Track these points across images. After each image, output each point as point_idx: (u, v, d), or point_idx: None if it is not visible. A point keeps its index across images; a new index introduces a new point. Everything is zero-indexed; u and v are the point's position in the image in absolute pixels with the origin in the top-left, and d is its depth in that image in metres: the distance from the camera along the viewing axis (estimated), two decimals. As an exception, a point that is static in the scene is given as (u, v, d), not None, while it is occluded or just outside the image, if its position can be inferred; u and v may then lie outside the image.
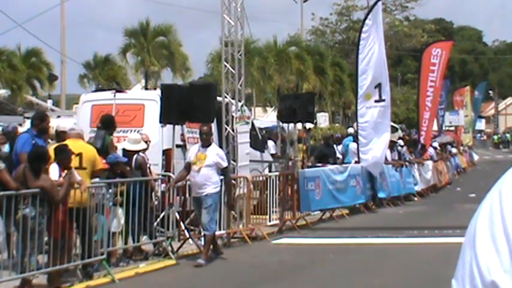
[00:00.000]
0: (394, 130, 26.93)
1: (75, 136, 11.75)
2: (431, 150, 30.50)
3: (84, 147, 11.65)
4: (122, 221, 12.51)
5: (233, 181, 15.85)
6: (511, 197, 1.34)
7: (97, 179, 12.11)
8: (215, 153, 13.13)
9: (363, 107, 22.24)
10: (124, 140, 14.27)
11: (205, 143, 13.19)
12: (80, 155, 11.34)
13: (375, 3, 23.35)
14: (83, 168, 11.29)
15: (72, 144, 11.27)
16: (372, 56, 22.12)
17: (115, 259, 12.48)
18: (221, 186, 13.45)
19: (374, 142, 22.08)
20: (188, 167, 13.22)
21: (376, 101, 22.19)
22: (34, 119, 12.21)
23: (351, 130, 24.29)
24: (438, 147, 33.12)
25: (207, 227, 13.01)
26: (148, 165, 13.61)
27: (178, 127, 15.08)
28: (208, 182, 12.96)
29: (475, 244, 1.34)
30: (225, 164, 13.24)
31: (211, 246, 13.31)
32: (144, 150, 13.63)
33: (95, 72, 43.95)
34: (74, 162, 11.04)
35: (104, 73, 43.57)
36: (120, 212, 12.46)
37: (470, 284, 1.33)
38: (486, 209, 1.37)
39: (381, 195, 22.94)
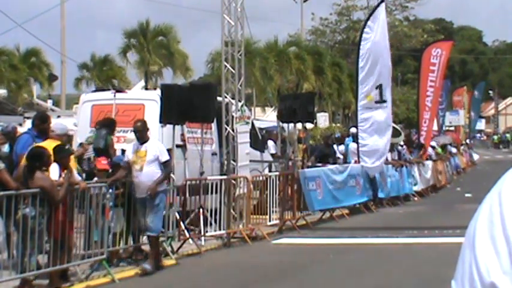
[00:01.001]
0: (398, 134, 26.89)
1: (54, 137, 11.60)
2: (430, 150, 30.51)
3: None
4: (122, 221, 12.51)
5: (233, 181, 15.88)
6: (510, 198, 1.34)
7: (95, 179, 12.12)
8: (155, 148, 12.29)
9: (363, 107, 22.23)
10: (124, 140, 14.28)
11: (141, 140, 12.30)
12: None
13: (378, 5, 23.32)
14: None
15: (47, 144, 11.17)
16: (374, 57, 22.09)
17: (115, 259, 12.48)
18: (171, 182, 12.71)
19: (375, 146, 22.04)
20: (129, 167, 12.34)
21: (376, 102, 22.17)
22: (35, 120, 12.21)
23: (353, 130, 24.18)
24: (436, 147, 33.08)
25: (152, 227, 12.10)
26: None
27: (178, 127, 15.08)
28: (153, 180, 12.11)
29: (474, 245, 1.34)
30: (165, 157, 12.31)
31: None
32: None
33: (93, 72, 43.85)
34: None
35: (103, 73, 43.52)
36: (121, 212, 12.47)
37: (469, 285, 1.33)
38: (486, 210, 1.37)
39: (380, 195, 22.95)
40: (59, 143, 11.21)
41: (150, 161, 12.15)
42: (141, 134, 12.38)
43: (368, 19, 23.12)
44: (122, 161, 12.75)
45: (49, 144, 11.09)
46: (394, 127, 26.08)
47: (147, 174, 12.11)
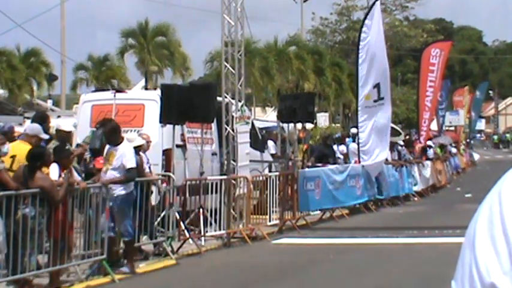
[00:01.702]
0: (397, 133, 26.99)
1: (24, 139, 11.44)
2: (428, 150, 30.50)
3: (20, 150, 10.84)
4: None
5: (233, 181, 15.87)
6: (510, 198, 1.34)
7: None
8: (121, 153, 11.79)
9: (362, 107, 22.23)
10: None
11: (113, 143, 11.93)
12: (13, 157, 10.81)
13: (374, 3, 23.36)
14: (12, 171, 10.62)
15: (15, 145, 11.07)
16: (371, 56, 22.10)
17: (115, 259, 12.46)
18: (136, 185, 12.13)
19: (375, 144, 22.04)
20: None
21: (374, 101, 22.16)
22: (35, 119, 12.21)
23: (353, 130, 24.12)
24: (433, 146, 33.03)
25: (124, 232, 11.82)
26: (148, 165, 13.62)
27: (178, 127, 15.09)
28: (112, 185, 11.72)
29: (474, 245, 1.34)
30: (130, 164, 11.74)
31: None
32: (143, 150, 13.61)
33: (91, 73, 43.70)
34: (6, 163, 10.53)
35: (102, 74, 43.44)
36: None
37: (469, 286, 1.32)
38: (486, 210, 1.37)
39: (381, 195, 22.93)
40: (27, 144, 10.94)
41: (115, 166, 11.75)
42: (109, 138, 12.07)
43: (365, 18, 23.13)
44: None
45: (17, 146, 10.98)
46: (393, 127, 26.11)
47: (109, 178, 11.77)
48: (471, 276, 1.32)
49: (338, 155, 23.48)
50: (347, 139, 24.37)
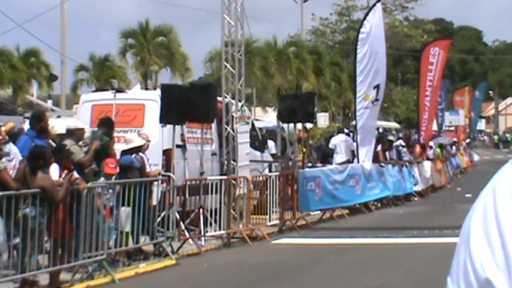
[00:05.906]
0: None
1: None
2: (429, 150, 30.50)
3: None
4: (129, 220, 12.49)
5: (233, 181, 15.88)
6: (504, 194, 1.35)
7: (102, 179, 12.10)
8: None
9: (361, 107, 22.21)
10: (124, 141, 14.27)
11: None
12: None
13: (374, 4, 23.31)
14: None
15: None
16: (371, 56, 22.05)
17: (115, 259, 12.47)
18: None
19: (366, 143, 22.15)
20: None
21: (372, 102, 22.15)
22: (32, 119, 12.23)
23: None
24: (433, 146, 33.02)
25: None
26: (149, 165, 13.63)
27: (178, 127, 15.09)
28: None
29: (469, 241, 1.35)
30: None
31: None
32: (143, 150, 13.62)
33: (92, 73, 43.61)
34: None
35: (102, 74, 43.38)
36: (128, 211, 12.43)
37: (464, 281, 1.33)
38: (480, 206, 1.38)
39: (381, 195, 22.94)
40: None
41: None
42: None
43: (364, 19, 23.08)
44: (134, 162, 12.78)
45: None
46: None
47: None
48: (466, 272, 1.33)
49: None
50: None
